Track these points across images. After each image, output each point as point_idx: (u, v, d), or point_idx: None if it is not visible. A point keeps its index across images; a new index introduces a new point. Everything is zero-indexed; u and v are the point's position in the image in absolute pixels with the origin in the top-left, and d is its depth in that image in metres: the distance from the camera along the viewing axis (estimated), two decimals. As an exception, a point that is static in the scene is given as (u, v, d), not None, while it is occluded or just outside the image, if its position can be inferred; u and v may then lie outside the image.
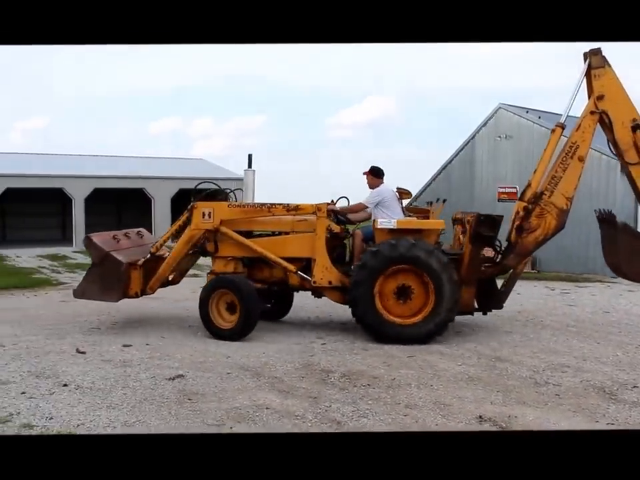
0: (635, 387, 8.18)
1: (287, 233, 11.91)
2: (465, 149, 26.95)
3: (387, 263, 10.72)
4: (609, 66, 11.14)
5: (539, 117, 24.80)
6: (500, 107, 25.76)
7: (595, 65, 11.18)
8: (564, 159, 11.28)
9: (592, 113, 11.25)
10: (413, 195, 25.54)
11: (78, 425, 6.63)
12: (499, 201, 25.46)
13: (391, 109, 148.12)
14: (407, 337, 10.62)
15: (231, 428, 6.58)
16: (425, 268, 10.65)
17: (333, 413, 7.06)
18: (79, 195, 33.58)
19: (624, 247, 11.42)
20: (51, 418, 6.85)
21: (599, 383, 8.34)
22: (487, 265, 11.64)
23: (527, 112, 25.33)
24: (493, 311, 11.81)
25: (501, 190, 25.39)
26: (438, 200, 11.77)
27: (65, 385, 8.05)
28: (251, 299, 11.09)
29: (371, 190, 11.87)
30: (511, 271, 11.91)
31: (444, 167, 27.96)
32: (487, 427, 6.71)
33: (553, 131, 11.68)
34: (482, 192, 26.12)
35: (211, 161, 43.35)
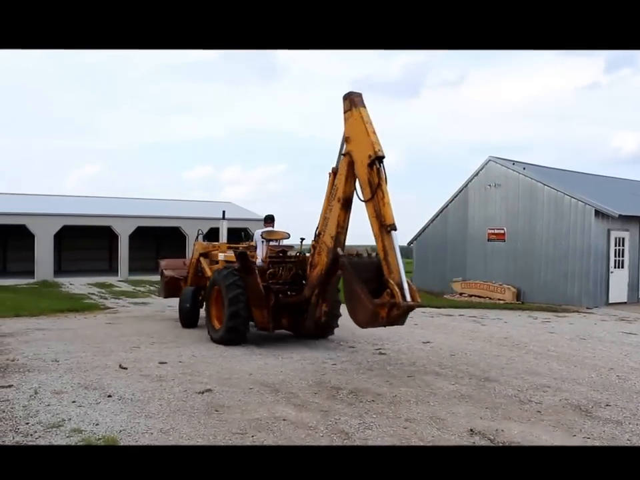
0: (607, 405, 8.11)
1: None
2: (459, 195, 27.00)
3: (212, 284, 12.89)
4: (356, 107, 10.16)
5: (524, 168, 24.87)
6: (490, 160, 25.85)
7: (345, 108, 10.41)
8: (329, 201, 10.87)
9: (344, 155, 10.51)
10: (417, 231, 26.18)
11: (120, 431, 6.64)
12: (488, 240, 25.45)
13: (396, 159, 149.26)
14: (216, 339, 12.41)
15: (252, 437, 6.56)
16: (221, 289, 12.36)
17: (342, 425, 7.04)
18: (124, 232, 33.87)
19: (346, 288, 9.82)
20: (97, 424, 6.87)
21: (576, 401, 8.27)
22: (289, 293, 12.41)
23: (514, 164, 25.39)
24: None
25: (491, 231, 25.38)
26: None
27: (110, 396, 8.08)
28: (183, 301, 14.81)
29: None
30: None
31: (441, 210, 28.00)
32: (477, 439, 6.66)
33: (329, 175, 11.04)
34: (474, 232, 26.14)
35: (238, 204, 43.58)
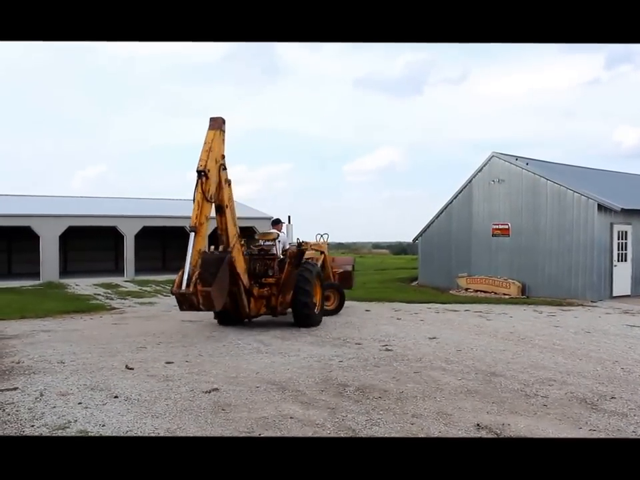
0: (612, 397, 8.07)
1: None
2: (464, 191, 26.93)
3: None
4: (208, 130, 12.58)
5: (527, 164, 24.79)
6: (493, 155, 25.78)
7: None
8: None
9: (216, 160, 12.67)
10: (422, 228, 26.88)
11: (127, 432, 6.62)
12: (493, 236, 25.38)
13: (400, 157, 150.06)
14: None
15: (260, 435, 6.54)
16: None
17: (349, 422, 7.01)
18: (129, 232, 33.85)
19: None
20: (104, 425, 6.85)
21: (582, 394, 8.23)
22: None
23: (517, 159, 25.31)
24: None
25: (495, 226, 25.31)
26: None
27: (116, 397, 8.06)
28: None
29: None
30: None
31: (446, 206, 27.93)
32: (483, 434, 6.62)
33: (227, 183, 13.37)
34: (479, 227, 26.08)
35: (244, 203, 43.48)
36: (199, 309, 11.63)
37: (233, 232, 13.44)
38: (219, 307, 12.02)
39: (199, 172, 12.02)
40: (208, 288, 11.33)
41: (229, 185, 13.43)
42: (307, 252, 15.58)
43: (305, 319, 14.48)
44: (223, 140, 12.93)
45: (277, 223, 16.05)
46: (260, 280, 14.44)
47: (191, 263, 11.47)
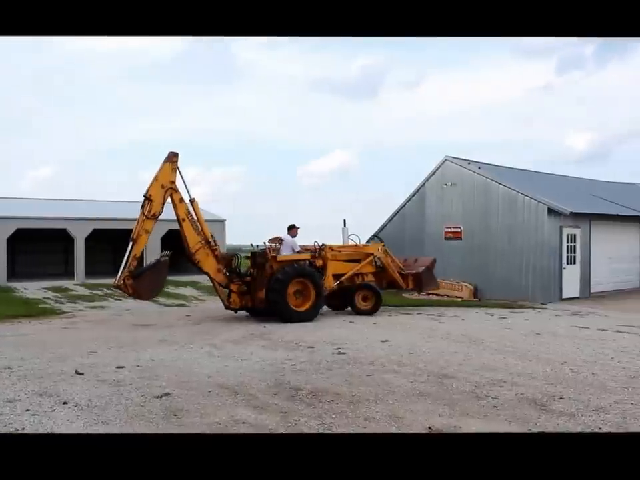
0: (561, 398, 8.23)
1: None
2: (417, 194, 27.20)
3: None
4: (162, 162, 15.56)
5: (479, 168, 25.17)
6: (446, 159, 26.10)
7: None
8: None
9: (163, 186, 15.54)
10: (375, 231, 27.30)
11: (76, 439, 6.51)
12: (445, 239, 25.68)
13: (354, 160, 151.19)
14: None
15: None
16: None
17: (302, 426, 7.01)
18: (80, 235, 33.30)
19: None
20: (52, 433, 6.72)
21: (531, 395, 8.37)
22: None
23: (469, 163, 25.68)
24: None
25: (447, 229, 25.62)
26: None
27: (65, 403, 7.92)
28: None
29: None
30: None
31: (399, 209, 28.15)
32: (435, 436, 6.70)
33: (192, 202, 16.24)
34: (431, 230, 26.36)
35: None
36: (132, 297, 15.70)
37: (194, 240, 15.93)
38: (146, 297, 15.85)
39: (143, 197, 15.20)
40: (132, 282, 14.75)
41: (192, 202, 16.11)
42: (270, 254, 16.78)
43: (279, 314, 16.08)
44: (173, 169, 15.61)
45: (291, 228, 17.57)
46: (244, 278, 16.70)
47: (125, 264, 14.82)
